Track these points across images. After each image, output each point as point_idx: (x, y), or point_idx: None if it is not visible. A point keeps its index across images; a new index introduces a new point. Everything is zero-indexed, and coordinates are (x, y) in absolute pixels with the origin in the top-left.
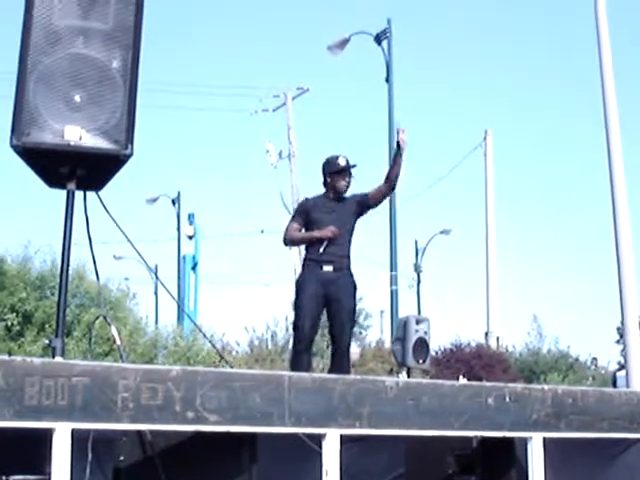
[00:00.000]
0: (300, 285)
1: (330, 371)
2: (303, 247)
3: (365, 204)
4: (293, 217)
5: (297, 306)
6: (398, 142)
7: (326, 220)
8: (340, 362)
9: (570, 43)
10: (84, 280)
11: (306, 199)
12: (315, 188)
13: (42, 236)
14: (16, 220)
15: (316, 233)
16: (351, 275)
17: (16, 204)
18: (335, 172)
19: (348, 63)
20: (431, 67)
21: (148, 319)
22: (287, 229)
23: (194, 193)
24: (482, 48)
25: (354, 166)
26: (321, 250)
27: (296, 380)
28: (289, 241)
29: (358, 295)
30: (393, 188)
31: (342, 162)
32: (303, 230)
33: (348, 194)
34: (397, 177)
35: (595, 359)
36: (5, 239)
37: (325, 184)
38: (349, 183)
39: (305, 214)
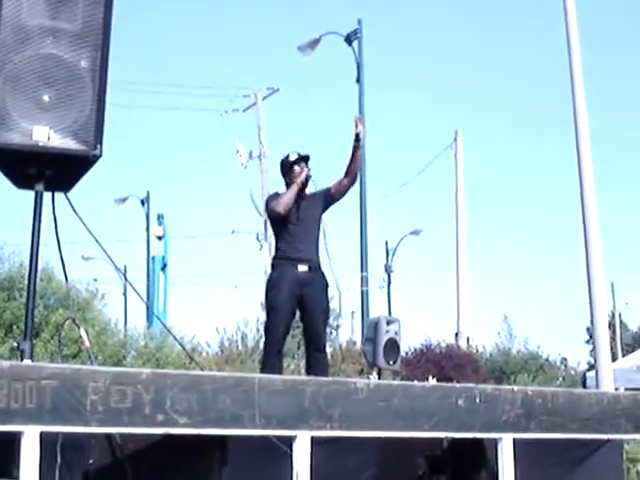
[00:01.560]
0: (274, 284)
1: (309, 373)
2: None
3: (328, 199)
4: (272, 199)
5: (271, 307)
6: (357, 134)
7: (296, 215)
8: (320, 364)
9: (540, 42)
10: (52, 281)
11: (276, 193)
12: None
13: (9, 237)
14: None
15: (297, 180)
16: (323, 275)
17: None
18: (289, 167)
19: (318, 63)
20: (402, 68)
21: (118, 320)
22: (273, 205)
23: (163, 193)
24: (452, 49)
25: (307, 157)
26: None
27: (266, 382)
28: (283, 205)
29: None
30: (355, 181)
31: (293, 156)
32: (273, 236)
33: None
34: (358, 169)
35: (565, 359)
36: None
37: (287, 185)
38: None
39: None
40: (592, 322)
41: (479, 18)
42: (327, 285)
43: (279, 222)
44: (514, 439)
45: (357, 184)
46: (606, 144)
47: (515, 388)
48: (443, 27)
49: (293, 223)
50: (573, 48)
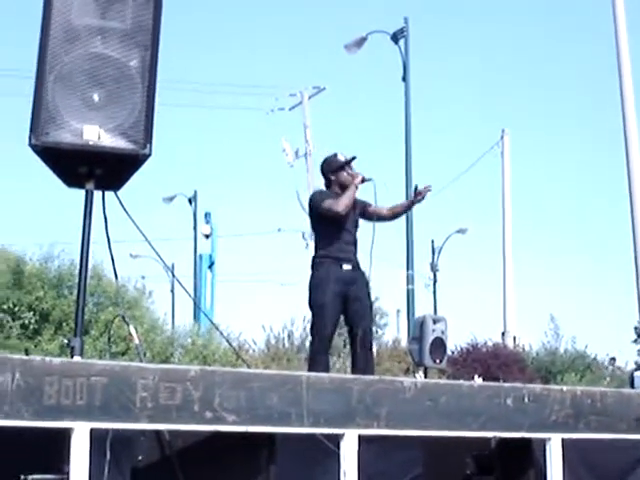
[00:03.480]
0: (319, 283)
1: (354, 372)
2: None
3: (364, 212)
4: (324, 198)
5: (318, 306)
6: (423, 196)
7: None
8: (366, 362)
9: (588, 42)
10: (101, 279)
11: (321, 191)
12: None
13: (60, 235)
14: (35, 219)
15: (356, 181)
16: (364, 274)
17: (35, 203)
18: (338, 168)
19: (365, 62)
20: (448, 66)
21: (165, 318)
22: (331, 204)
23: (211, 192)
24: (500, 47)
25: (354, 158)
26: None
27: (314, 380)
28: (344, 205)
29: (374, 295)
30: (392, 220)
31: (342, 157)
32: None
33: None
34: (400, 216)
35: (613, 359)
36: (25, 238)
37: (328, 184)
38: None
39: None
40: None
41: (526, 16)
42: (368, 284)
43: (326, 221)
44: (563, 439)
45: (403, 187)
46: None
47: (564, 388)
48: (489, 25)
49: (338, 224)
50: (621, 44)
